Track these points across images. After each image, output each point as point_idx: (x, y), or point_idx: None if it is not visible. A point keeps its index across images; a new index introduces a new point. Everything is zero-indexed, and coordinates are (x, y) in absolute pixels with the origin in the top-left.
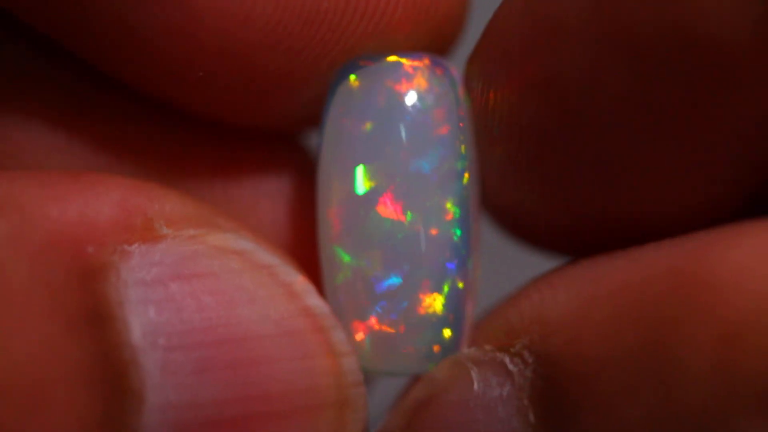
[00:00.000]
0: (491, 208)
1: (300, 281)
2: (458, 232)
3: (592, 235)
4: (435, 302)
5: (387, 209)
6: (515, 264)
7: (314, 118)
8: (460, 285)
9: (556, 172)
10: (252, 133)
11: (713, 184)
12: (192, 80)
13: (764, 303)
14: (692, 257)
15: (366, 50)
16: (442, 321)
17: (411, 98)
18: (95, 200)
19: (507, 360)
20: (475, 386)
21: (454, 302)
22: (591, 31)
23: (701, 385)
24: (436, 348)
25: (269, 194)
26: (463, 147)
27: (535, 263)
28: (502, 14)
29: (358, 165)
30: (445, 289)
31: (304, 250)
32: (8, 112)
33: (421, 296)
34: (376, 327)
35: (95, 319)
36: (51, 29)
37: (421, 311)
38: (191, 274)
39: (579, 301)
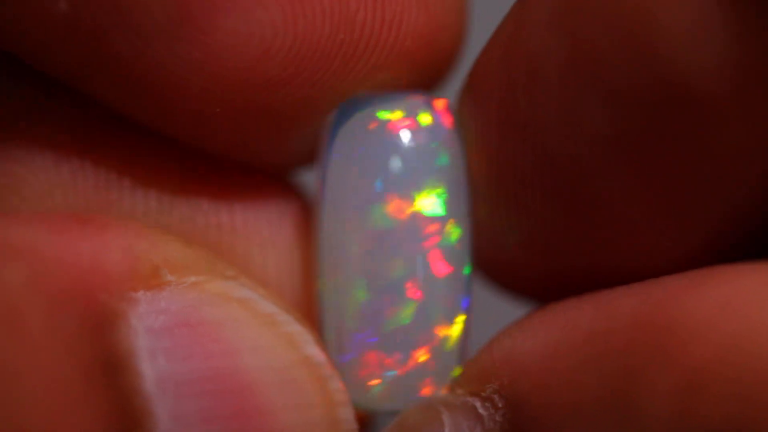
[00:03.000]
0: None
1: (300, 331)
2: (469, 267)
3: (570, 282)
4: (449, 338)
5: (402, 245)
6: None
7: (308, 155)
8: (469, 320)
9: (534, 216)
10: (250, 169)
11: (692, 229)
12: (207, 117)
13: (724, 353)
14: (656, 306)
15: (371, 83)
16: (453, 358)
17: (420, 134)
18: (105, 246)
19: (478, 404)
20: (446, 430)
21: (465, 339)
22: (567, 74)
23: None
24: (444, 390)
25: (265, 232)
26: (466, 181)
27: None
28: (484, 58)
29: (371, 203)
30: (459, 325)
31: (299, 291)
32: (11, 145)
33: (434, 332)
34: (387, 367)
35: (109, 368)
36: (63, 74)
37: (434, 347)
38: (197, 323)
39: (547, 346)
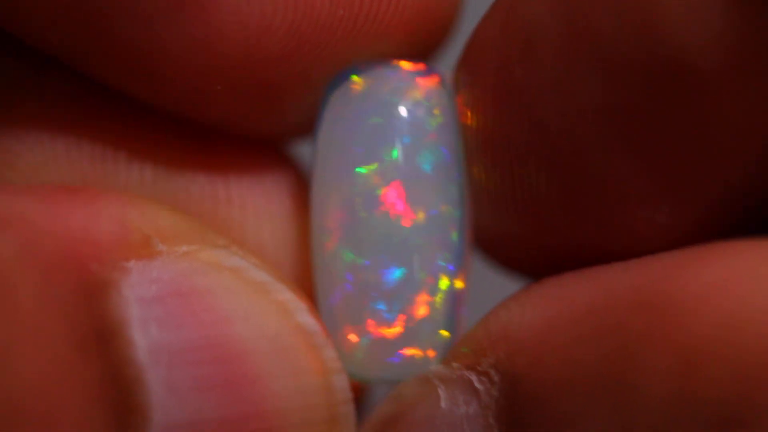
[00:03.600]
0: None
1: (292, 299)
2: (456, 234)
3: (567, 258)
4: (434, 302)
5: (387, 210)
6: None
7: (306, 126)
8: (458, 285)
9: (529, 189)
10: (246, 140)
11: (688, 206)
12: (206, 92)
13: (720, 331)
14: (652, 282)
15: (367, 54)
16: (440, 321)
17: (407, 103)
18: (95, 216)
19: (474, 378)
20: (443, 404)
21: (452, 303)
22: (563, 46)
23: (657, 412)
24: (431, 353)
25: (260, 203)
26: (459, 150)
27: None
28: (482, 29)
29: (357, 167)
30: (444, 289)
31: (295, 262)
32: (5, 120)
33: (420, 295)
34: (373, 330)
35: (101, 338)
36: (61, 54)
37: (420, 310)
38: (189, 292)
39: (544, 321)
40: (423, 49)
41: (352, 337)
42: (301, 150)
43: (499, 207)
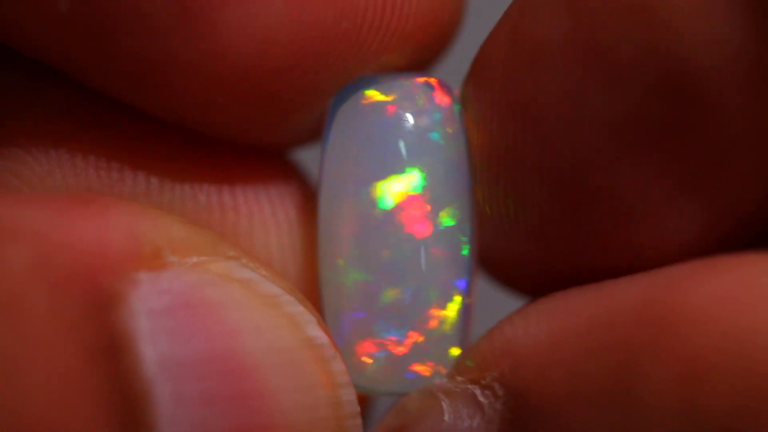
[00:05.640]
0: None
1: (302, 311)
2: (467, 249)
3: (572, 277)
4: (445, 319)
5: (398, 226)
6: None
7: (312, 133)
8: (469, 301)
9: (534, 204)
10: (252, 149)
11: (696, 222)
12: (213, 105)
13: (724, 343)
14: (656, 296)
15: (373, 64)
16: (450, 339)
17: (415, 115)
18: (107, 227)
19: (478, 392)
20: (446, 417)
21: (463, 320)
22: (570, 54)
23: (662, 425)
24: (442, 370)
25: (268, 212)
26: (467, 162)
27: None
28: (491, 42)
29: (366, 184)
30: (455, 306)
31: (301, 271)
32: (9, 128)
33: (430, 313)
34: (384, 346)
35: (110, 350)
36: (64, 68)
37: (430, 328)
38: (199, 304)
39: (548, 335)
40: (426, 59)
41: (362, 353)
42: (305, 158)
43: (503, 225)
